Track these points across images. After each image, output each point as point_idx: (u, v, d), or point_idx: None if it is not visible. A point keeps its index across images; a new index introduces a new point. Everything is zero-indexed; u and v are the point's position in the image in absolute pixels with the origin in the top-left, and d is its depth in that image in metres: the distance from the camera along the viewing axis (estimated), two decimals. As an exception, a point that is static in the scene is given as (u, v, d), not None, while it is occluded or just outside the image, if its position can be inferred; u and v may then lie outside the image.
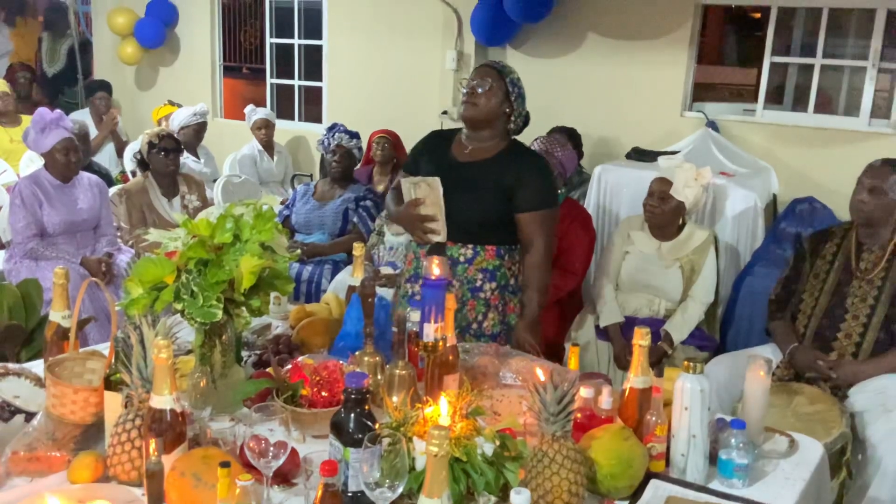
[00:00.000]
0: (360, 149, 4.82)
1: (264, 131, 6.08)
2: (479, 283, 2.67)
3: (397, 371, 1.99)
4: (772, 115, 4.92)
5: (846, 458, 2.64)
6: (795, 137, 4.75)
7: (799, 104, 5.03)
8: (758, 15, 5.51)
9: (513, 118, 2.66)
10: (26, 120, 5.79)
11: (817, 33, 4.74)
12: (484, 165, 2.64)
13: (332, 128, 4.82)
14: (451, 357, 2.01)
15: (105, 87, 6.90)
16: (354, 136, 4.76)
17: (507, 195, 2.60)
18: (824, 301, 3.04)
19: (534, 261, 2.65)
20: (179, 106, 6.18)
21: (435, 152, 2.76)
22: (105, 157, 6.31)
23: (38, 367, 2.12)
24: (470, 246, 2.65)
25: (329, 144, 4.71)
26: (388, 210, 2.96)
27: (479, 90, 2.60)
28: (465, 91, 2.65)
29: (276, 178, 6.15)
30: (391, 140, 5.26)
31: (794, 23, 5.13)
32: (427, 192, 2.60)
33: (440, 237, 2.63)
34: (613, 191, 4.50)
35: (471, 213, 2.62)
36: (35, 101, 7.09)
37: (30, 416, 1.88)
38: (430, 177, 2.60)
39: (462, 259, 2.66)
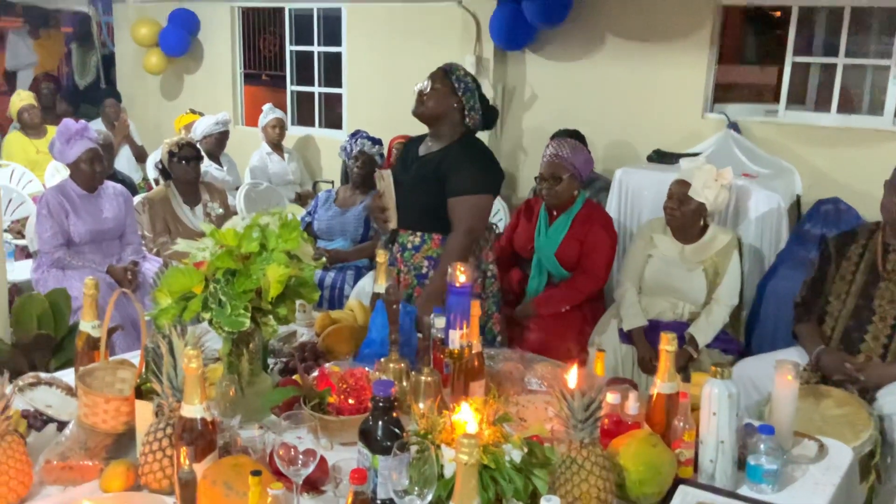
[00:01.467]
0: (382, 155, 4.85)
1: (278, 130, 6.17)
2: (424, 270, 2.86)
3: (423, 378, 2.00)
4: (794, 115, 4.88)
5: (875, 462, 2.61)
6: (818, 138, 4.71)
7: (822, 104, 4.98)
8: (779, 14, 5.45)
9: (467, 112, 2.87)
10: (51, 131, 5.87)
11: (840, 32, 4.70)
12: (433, 157, 2.88)
13: (355, 134, 4.86)
14: (476, 363, 2.01)
15: (113, 94, 7.01)
16: (377, 142, 4.79)
17: (444, 183, 2.81)
18: (851, 303, 3.01)
19: (450, 245, 2.81)
20: (201, 114, 6.24)
21: (407, 152, 3.05)
22: (123, 162, 6.39)
23: (68, 376, 2.16)
24: (419, 234, 2.88)
25: (351, 151, 4.75)
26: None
27: (425, 91, 2.86)
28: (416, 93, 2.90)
29: (290, 179, 6.20)
30: (410, 147, 5.29)
31: (816, 22, 5.09)
32: (383, 185, 2.88)
33: (392, 224, 2.89)
34: (635, 194, 4.48)
35: (416, 202, 2.86)
36: (59, 112, 7.19)
37: (62, 424, 1.91)
38: (384, 170, 2.90)
39: (410, 246, 2.89)
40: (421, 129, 5.59)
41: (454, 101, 2.86)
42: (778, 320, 3.78)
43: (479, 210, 2.84)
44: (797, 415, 2.51)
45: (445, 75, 2.89)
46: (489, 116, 2.97)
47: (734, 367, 3.26)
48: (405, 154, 3.07)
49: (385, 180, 2.87)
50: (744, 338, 3.80)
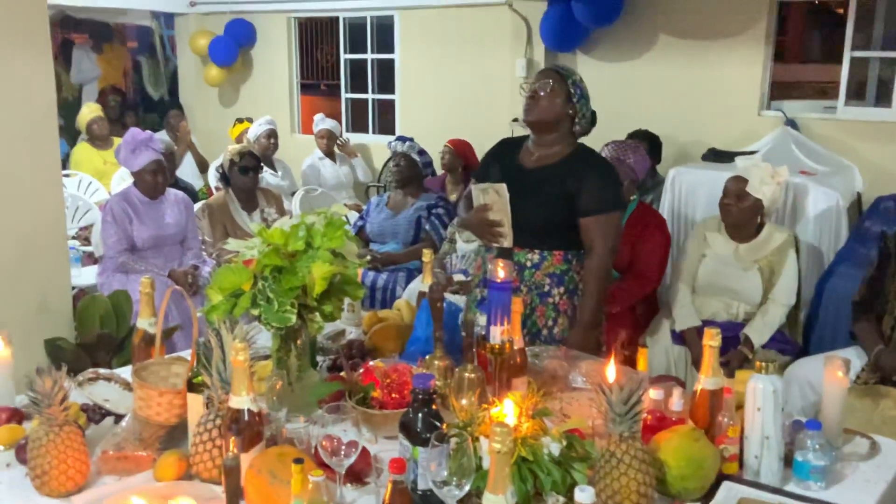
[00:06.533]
0: (421, 152, 4.90)
1: (326, 141, 6.30)
2: (546, 289, 2.66)
3: (466, 374, 2.01)
4: (853, 111, 4.76)
5: (938, 464, 2.53)
6: (879, 133, 4.59)
7: (882, 99, 4.85)
8: (841, 10, 5.34)
9: (577, 120, 2.65)
10: (118, 142, 6.08)
11: (900, 25, 4.59)
12: (549, 170, 2.64)
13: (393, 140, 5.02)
14: (518, 359, 2.02)
15: (176, 105, 7.24)
16: (408, 140, 4.94)
17: (571, 199, 2.59)
18: (911, 301, 2.93)
19: (593, 266, 2.62)
20: (250, 120, 6.42)
21: (503, 160, 2.78)
22: (187, 170, 6.57)
23: (127, 372, 2.24)
24: (537, 251, 2.65)
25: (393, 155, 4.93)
26: (459, 216, 3.01)
27: (541, 93, 2.61)
28: (526, 95, 2.65)
29: (343, 183, 6.30)
30: (453, 149, 5.40)
31: (875, 16, 4.95)
32: (495, 198, 2.63)
33: (507, 242, 2.65)
34: (689, 193, 4.43)
35: (536, 219, 2.62)
36: (126, 124, 7.44)
37: (119, 417, 1.99)
38: (497, 183, 2.62)
39: (529, 264, 2.66)
40: (474, 133, 5.65)
41: (569, 108, 2.63)
42: (837, 320, 3.69)
43: (617, 227, 2.67)
44: (855, 415, 2.46)
45: (562, 79, 2.63)
46: (592, 123, 2.76)
47: (792, 366, 3.21)
48: (499, 161, 2.78)
49: (501, 195, 2.61)
50: (802, 338, 3.71)
